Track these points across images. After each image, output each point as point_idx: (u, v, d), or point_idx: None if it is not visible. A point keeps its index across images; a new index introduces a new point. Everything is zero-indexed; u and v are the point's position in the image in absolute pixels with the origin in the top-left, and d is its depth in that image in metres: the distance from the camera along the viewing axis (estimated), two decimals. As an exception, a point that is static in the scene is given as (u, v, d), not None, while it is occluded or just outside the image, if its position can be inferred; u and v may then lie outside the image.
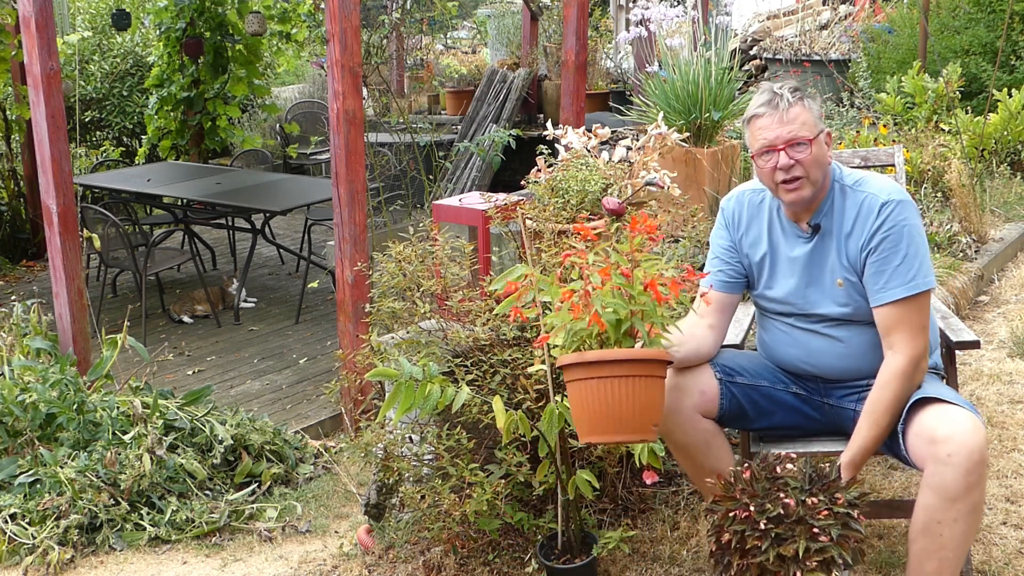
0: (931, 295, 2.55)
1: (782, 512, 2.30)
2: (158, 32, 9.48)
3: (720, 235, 2.82)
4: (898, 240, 2.52)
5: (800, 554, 2.25)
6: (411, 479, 3.12)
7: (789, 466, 2.39)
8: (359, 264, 4.41)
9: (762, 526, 2.30)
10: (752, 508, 2.32)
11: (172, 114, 9.40)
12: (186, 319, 6.63)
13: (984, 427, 2.38)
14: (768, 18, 10.76)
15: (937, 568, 2.37)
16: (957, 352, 2.88)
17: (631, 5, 6.96)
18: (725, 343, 2.91)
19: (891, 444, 2.51)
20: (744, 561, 2.32)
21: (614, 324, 2.29)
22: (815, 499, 2.31)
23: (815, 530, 2.27)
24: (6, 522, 3.55)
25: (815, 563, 2.25)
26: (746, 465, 2.40)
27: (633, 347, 2.31)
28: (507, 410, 2.58)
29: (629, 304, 2.30)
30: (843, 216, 2.61)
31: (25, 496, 3.64)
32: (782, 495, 2.32)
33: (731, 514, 2.35)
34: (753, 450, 2.77)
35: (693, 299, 2.77)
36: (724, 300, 2.78)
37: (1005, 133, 6.79)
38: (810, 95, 2.61)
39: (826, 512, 2.29)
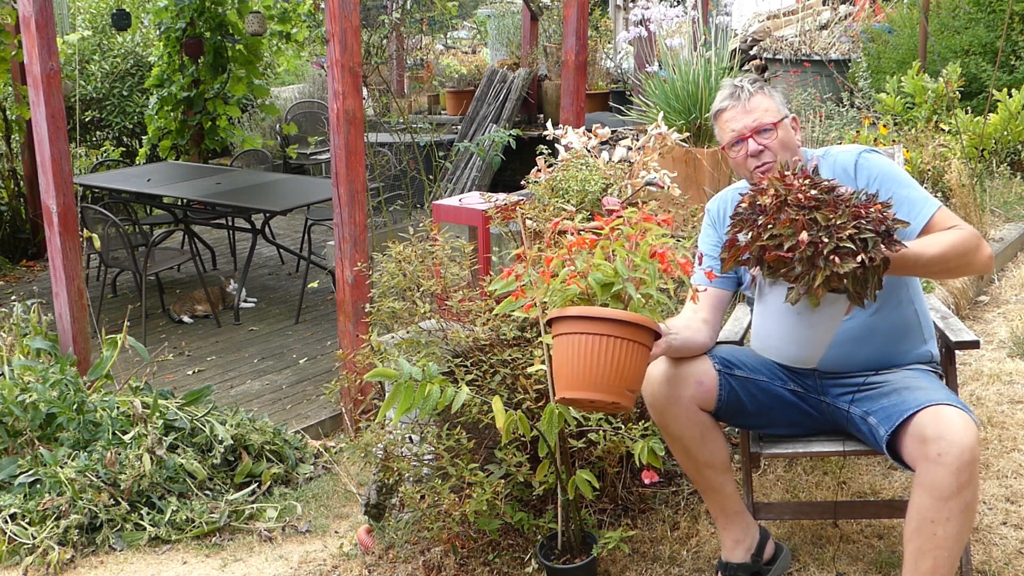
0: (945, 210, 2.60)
1: (836, 194, 2.17)
2: (158, 32, 9.49)
3: (707, 234, 2.86)
4: (893, 177, 2.60)
5: (837, 224, 2.13)
6: (411, 479, 3.13)
7: (842, 189, 2.27)
8: (359, 264, 4.41)
9: (812, 193, 2.17)
10: (805, 183, 2.21)
11: (172, 114, 9.40)
12: (186, 319, 6.63)
13: (976, 426, 2.38)
14: (768, 18, 10.76)
15: (932, 567, 2.37)
16: (957, 352, 2.88)
17: (631, 5, 6.97)
18: (725, 339, 2.91)
19: (887, 448, 2.51)
20: (772, 219, 2.21)
21: (601, 285, 2.31)
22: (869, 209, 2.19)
23: (862, 218, 2.15)
24: (6, 522, 3.55)
25: (847, 235, 2.13)
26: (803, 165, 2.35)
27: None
28: (507, 410, 2.58)
29: (631, 272, 2.31)
30: None
31: (25, 496, 3.65)
32: (839, 188, 2.22)
33: (779, 179, 2.23)
34: (753, 450, 2.77)
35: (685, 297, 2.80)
36: (716, 296, 2.78)
37: (1005, 133, 6.79)
38: (771, 85, 2.68)
39: (879, 207, 2.19)
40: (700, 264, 2.83)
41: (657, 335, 2.35)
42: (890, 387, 2.57)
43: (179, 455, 3.87)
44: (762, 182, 2.35)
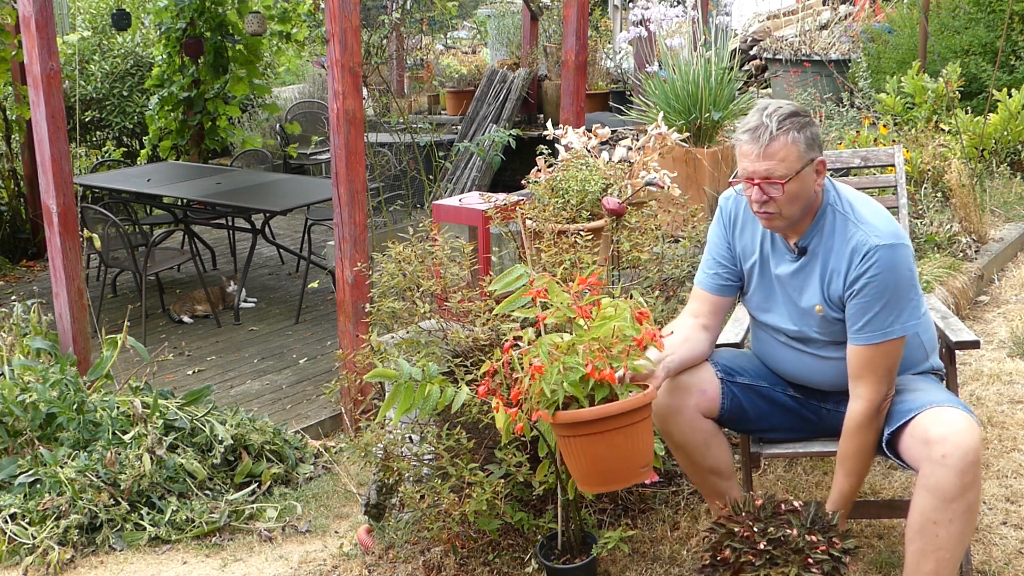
0: (904, 340, 2.50)
1: (782, 539, 2.35)
2: (158, 32, 9.48)
3: (717, 233, 2.76)
4: (882, 288, 2.45)
5: None
6: (411, 479, 3.12)
7: (795, 505, 2.45)
8: (359, 264, 4.41)
9: (761, 546, 2.35)
10: (755, 530, 2.37)
11: (172, 114, 9.40)
12: (186, 319, 6.63)
13: (979, 427, 2.38)
14: (768, 18, 10.77)
15: (935, 568, 2.37)
16: (957, 352, 2.88)
17: (631, 5, 6.97)
18: (725, 342, 2.90)
19: (887, 447, 2.51)
20: None
21: (576, 384, 2.27)
22: (816, 536, 2.36)
23: (810, 561, 2.32)
24: (6, 522, 3.55)
25: None
26: (758, 494, 2.45)
27: (610, 393, 2.29)
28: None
29: (605, 359, 2.28)
30: (832, 247, 2.54)
31: (25, 496, 3.64)
32: (784, 524, 2.39)
33: (732, 530, 2.39)
34: (753, 450, 2.77)
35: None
36: (718, 302, 2.75)
37: (1005, 133, 6.79)
38: (803, 122, 2.48)
39: (824, 549, 2.34)
40: (706, 264, 2.81)
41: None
42: None
43: (179, 455, 3.87)
44: (724, 518, 2.47)
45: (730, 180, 2.63)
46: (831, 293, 2.54)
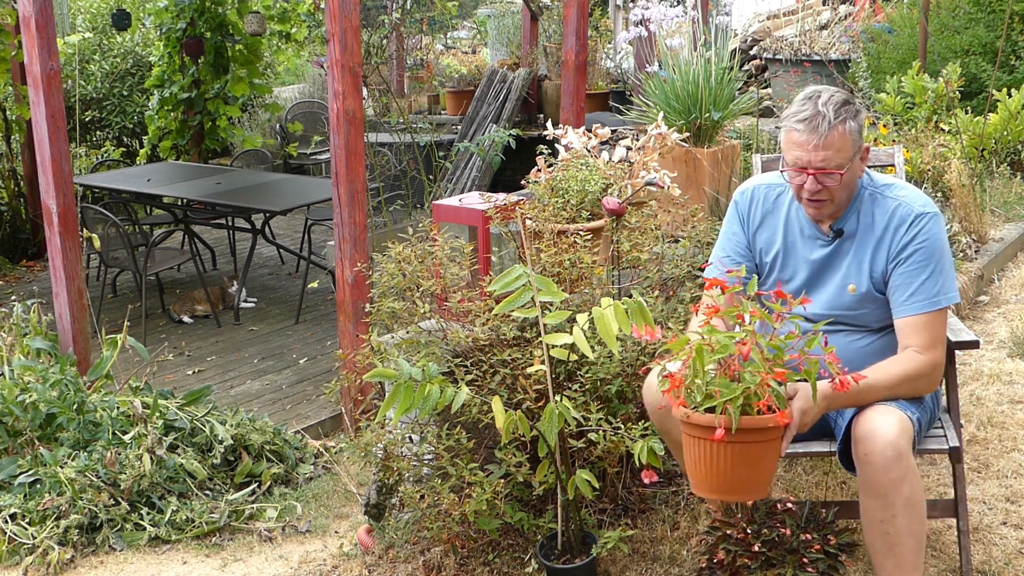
0: (949, 310, 2.55)
1: (776, 539, 2.37)
2: (158, 32, 9.49)
3: (734, 231, 2.78)
4: (929, 255, 2.52)
5: None
6: (411, 479, 3.13)
7: (790, 506, 2.46)
8: (359, 264, 4.41)
9: (756, 548, 2.37)
10: (748, 532, 2.40)
11: (172, 114, 9.40)
12: (186, 319, 6.63)
13: (905, 421, 2.39)
14: (768, 18, 10.77)
15: (896, 565, 2.39)
16: (957, 352, 2.88)
17: (631, 5, 6.97)
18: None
19: (842, 459, 2.54)
20: None
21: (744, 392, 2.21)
22: (810, 535, 2.38)
23: (805, 560, 2.34)
24: (6, 522, 3.55)
25: None
26: None
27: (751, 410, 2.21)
28: (507, 410, 2.58)
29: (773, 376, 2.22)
30: (872, 222, 2.59)
31: (25, 496, 3.64)
32: (778, 524, 2.40)
33: (727, 533, 2.40)
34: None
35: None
36: (735, 300, 2.77)
37: (1005, 133, 6.79)
38: (856, 110, 2.51)
39: (818, 547, 2.35)
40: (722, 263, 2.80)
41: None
42: None
43: (179, 455, 3.87)
44: (718, 522, 2.49)
45: (782, 167, 2.60)
46: (875, 268, 2.58)
